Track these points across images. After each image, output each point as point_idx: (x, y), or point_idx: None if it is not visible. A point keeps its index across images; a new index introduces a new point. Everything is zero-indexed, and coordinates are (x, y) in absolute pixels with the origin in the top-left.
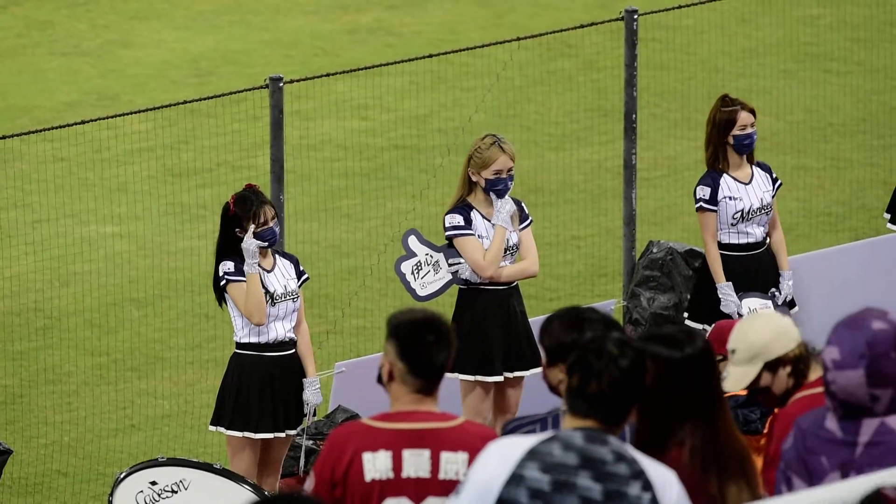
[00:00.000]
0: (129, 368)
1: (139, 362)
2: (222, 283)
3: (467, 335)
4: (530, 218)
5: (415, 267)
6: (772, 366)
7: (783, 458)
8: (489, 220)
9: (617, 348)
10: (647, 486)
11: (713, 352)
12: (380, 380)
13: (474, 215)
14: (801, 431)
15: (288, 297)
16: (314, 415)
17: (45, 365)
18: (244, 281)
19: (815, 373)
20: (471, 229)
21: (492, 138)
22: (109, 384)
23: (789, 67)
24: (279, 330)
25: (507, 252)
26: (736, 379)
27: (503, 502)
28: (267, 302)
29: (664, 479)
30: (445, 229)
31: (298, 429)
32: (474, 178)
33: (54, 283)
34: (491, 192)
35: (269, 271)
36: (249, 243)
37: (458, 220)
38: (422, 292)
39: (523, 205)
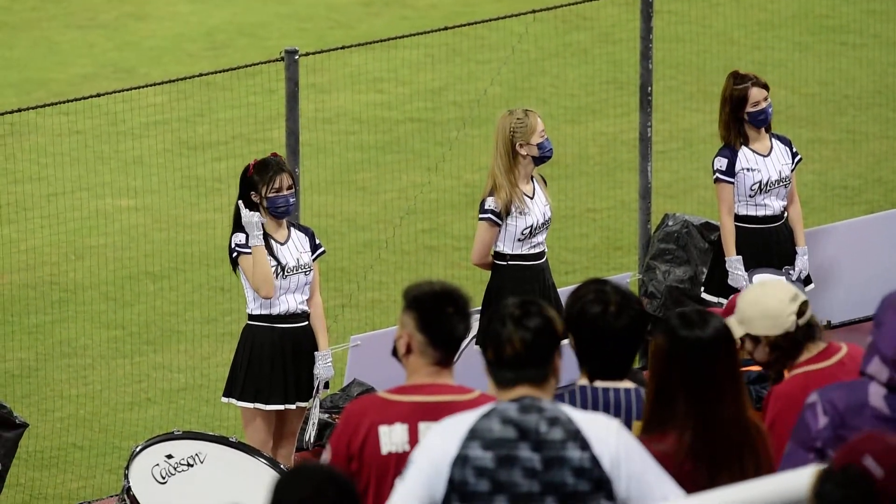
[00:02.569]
0: (145, 342)
1: (155, 336)
2: (233, 255)
3: None
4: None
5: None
6: (753, 338)
7: (817, 438)
8: (528, 196)
9: (519, 309)
10: (585, 444)
11: (730, 335)
12: (395, 353)
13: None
14: (835, 410)
15: (300, 270)
16: (326, 388)
17: (60, 338)
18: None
19: (814, 349)
20: (501, 221)
21: (518, 110)
22: (125, 357)
23: (805, 40)
24: (290, 302)
25: (544, 226)
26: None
27: (452, 483)
28: (278, 275)
29: (600, 433)
30: (483, 210)
31: (309, 402)
32: (524, 151)
33: (70, 256)
34: (541, 161)
35: (282, 244)
36: (250, 216)
37: (499, 205)
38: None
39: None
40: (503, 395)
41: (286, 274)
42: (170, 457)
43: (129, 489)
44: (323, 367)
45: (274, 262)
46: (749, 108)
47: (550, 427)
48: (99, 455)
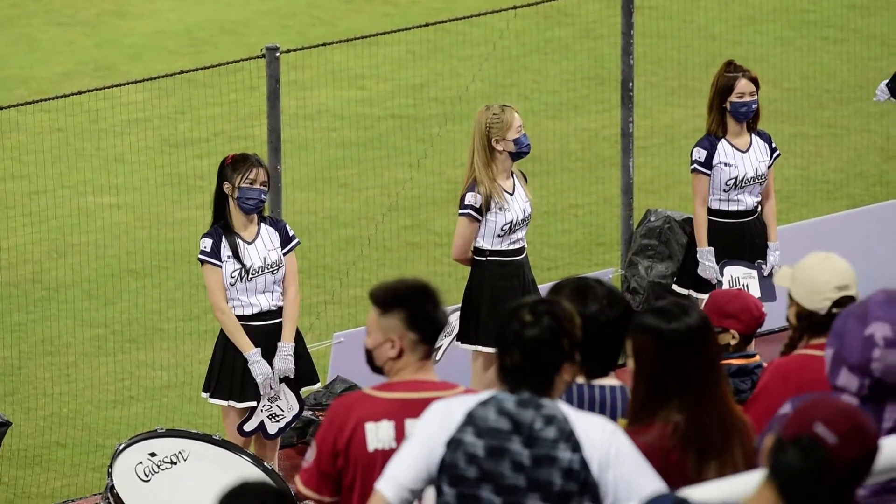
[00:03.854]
0: (128, 339)
1: (137, 333)
2: (200, 261)
3: (487, 307)
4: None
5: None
6: (791, 299)
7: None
8: (508, 192)
9: (531, 315)
10: (576, 446)
11: (709, 326)
12: (371, 362)
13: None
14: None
15: (267, 271)
16: (279, 382)
17: (43, 336)
18: (218, 265)
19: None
20: (481, 217)
21: (495, 106)
22: (108, 355)
23: (786, 34)
24: (262, 302)
25: (524, 222)
26: (780, 276)
27: (444, 464)
28: (242, 277)
29: (593, 436)
30: (462, 206)
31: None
32: (500, 147)
33: (52, 254)
34: (517, 156)
35: (249, 242)
36: (258, 374)
37: (479, 200)
38: (438, 356)
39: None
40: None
41: (251, 276)
42: (153, 455)
43: (112, 487)
44: (280, 359)
45: (238, 266)
46: (733, 99)
47: (545, 425)
48: (82, 453)
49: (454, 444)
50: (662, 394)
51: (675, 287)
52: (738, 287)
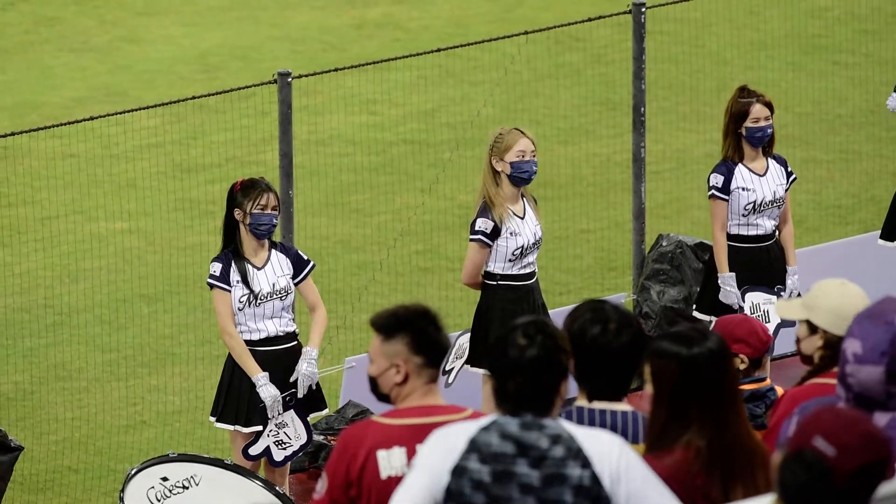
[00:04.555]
0: (140, 364)
1: (149, 358)
2: (210, 284)
3: (497, 331)
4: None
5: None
6: (812, 327)
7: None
8: (518, 216)
9: (525, 338)
10: (586, 463)
11: (728, 350)
12: (376, 390)
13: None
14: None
15: (276, 296)
16: (289, 409)
17: (55, 361)
18: (227, 290)
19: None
20: (492, 242)
21: (506, 128)
22: (120, 380)
23: (797, 60)
24: (269, 327)
25: (535, 246)
26: (786, 308)
27: (450, 492)
28: (250, 303)
29: (602, 450)
30: (473, 231)
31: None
32: (498, 167)
33: (64, 279)
34: (515, 181)
35: (259, 268)
36: (266, 396)
37: (490, 226)
38: (450, 379)
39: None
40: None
41: (259, 301)
42: (165, 479)
43: None
44: (306, 362)
45: (246, 291)
46: (749, 124)
47: (552, 444)
48: (94, 478)
49: (459, 471)
50: (683, 418)
51: (695, 313)
52: (759, 313)
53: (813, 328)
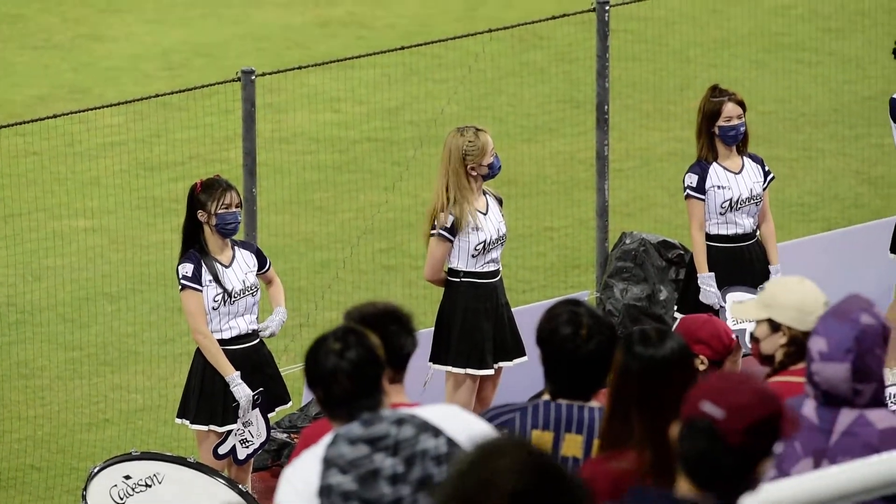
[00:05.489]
0: (103, 363)
1: (112, 356)
2: (179, 287)
3: (459, 328)
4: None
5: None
6: (773, 325)
7: None
8: (480, 212)
9: (339, 342)
10: (437, 432)
11: (687, 353)
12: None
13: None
14: None
15: (247, 293)
16: (254, 409)
17: (17, 359)
18: (199, 290)
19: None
20: (453, 237)
21: (468, 129)
22: (83, 378)
23: (761, 58)
24: (241, 325)
25: (499, 241)
26: (742, 309)
27: None
28: (225, 301)
29: (445, 415)
30: (433, 226)
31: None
32: (475, 172)
33: (27, 277)
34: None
35: (227, 266)
36: (241, 396)
37: (450, 221)
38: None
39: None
40: (340, 426)
41: (233, 299)
42: (128, 477)
43: None
44: (278, 317)
45: (220, 290)
46: (721, 123)
47: (399, 428)
48: (57, 476)
49: (325, 491)
50: (632, 418)
51: (676, 314)
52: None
53: (775, 326)
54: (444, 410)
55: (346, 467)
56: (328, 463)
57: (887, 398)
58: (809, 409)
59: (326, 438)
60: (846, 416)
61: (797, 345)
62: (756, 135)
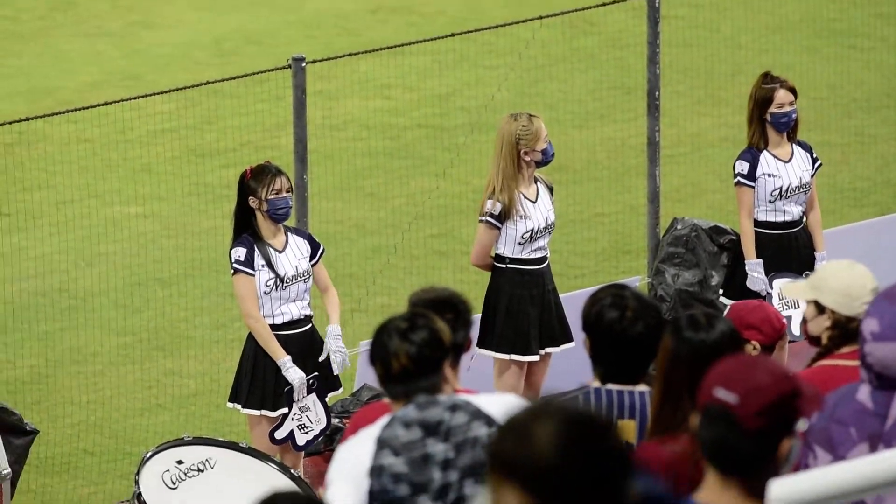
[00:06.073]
0: (155, 348)
1: (165, 342)
2: (231, 271)
3: (504, 313)
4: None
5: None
6: (819, 307)
7: (808, 432)
8: (530, 200)
9: (406, 322)
10: (490, 421)
11: (737, 337)
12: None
13: (521, 201)
14: (828, 403)
15: (299, 279)
16: (311, 393)
17: (70, 345)
18: (252, 274)
19: (851, 347)
20: (501, 224)
21: (522, 115)
22: (135, 364)
23: (813, 44)
24: (293, 311)
25: (546, 230)
26: (793, 289)
27: (373, 494)
28: (277, 286)
29: (500, 405)
30: (482, 212)
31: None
32: (528, 157)
33: (80, 263)
34: (542, 165)
35: (280, 251)
36: (294, 378)
37: (498, 208)
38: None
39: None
40: (397, 407)
41: (285, 284)
42: (180, 462)
43: (139, 495)
44: (332, 339)
45: (272, 275)
46: (773, 109)
47: (452, 414)
48: (110, 461)
49: (376, 471)
50: (683, 401)
51: (722, 299)
52: (787, 299)
53: (821, 308)
54: (500, 399)
55: (399, 449)
56: (382, 444)
57: None
58: (864, 393)
59: (383, 420)
60: None
61: (841, 328)
62: (808, 120)
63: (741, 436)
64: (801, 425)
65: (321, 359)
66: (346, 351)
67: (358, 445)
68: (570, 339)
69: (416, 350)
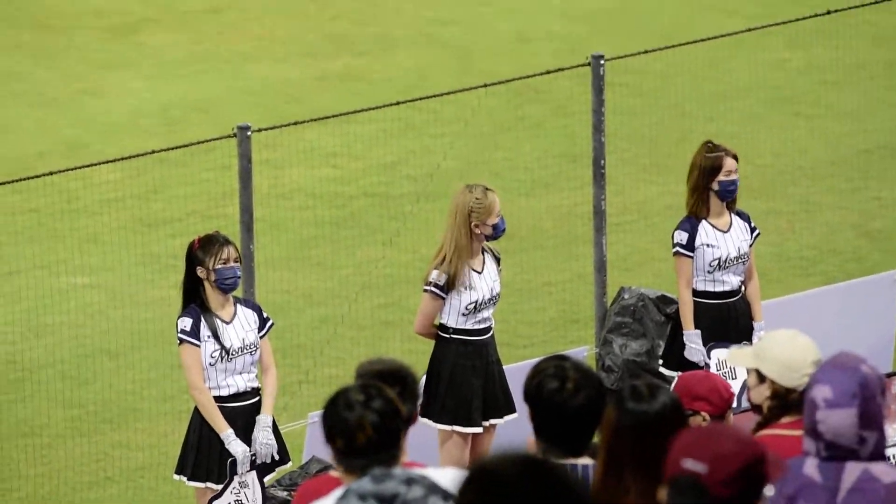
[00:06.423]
0: (103, 420)
1: (113, 414)
2: (177, 341)
3: (446, 384)
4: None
5: None
6: (760, 376)
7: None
8: (476, 271)
9: (362, 394)
10: (446, 495)
11: (679, 408)
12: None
13: (467, 273)
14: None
15: (245, 351)
16: (251, 471)
17: (18, 418)
18: (197, 345)
19: (794, 416)
20: (445, 294)
21: (477, 187)
22: (84, 436)
23: (758, 111)
24: (239, 383)
25: (491, 301)
26: (738, 356)
27: None
28: (222, 358)
29: (453, 481)
30: (427, 282)
31: (240, 472)
32: (479, 231)
33: (27, 334)
34: (493, 238)
35: (227, 322)
36: (237, 451)
37: (443, 279)
38: None
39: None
40: (350, 480)
41: (231, 356)
42: None
43: None
44: (261, 431)
45: (218, 346)
46: (721, 178)
47: (408, 487)
48: None
49: None
50: (625, 473)
51: (661, 370)
52: (725, 370)
53: (762, 377)
54: (452, 474)
55: None
56: None
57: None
58: (811, 466)
59: (337, 492)
60: (851, 472)
61: (780, 399)
62: (753, 188)
63: (711, 502)
64: (768, 491)
65: (251, 451)
66: (275, 444)
67: None
68: (513, 410)
69: (379, 420)
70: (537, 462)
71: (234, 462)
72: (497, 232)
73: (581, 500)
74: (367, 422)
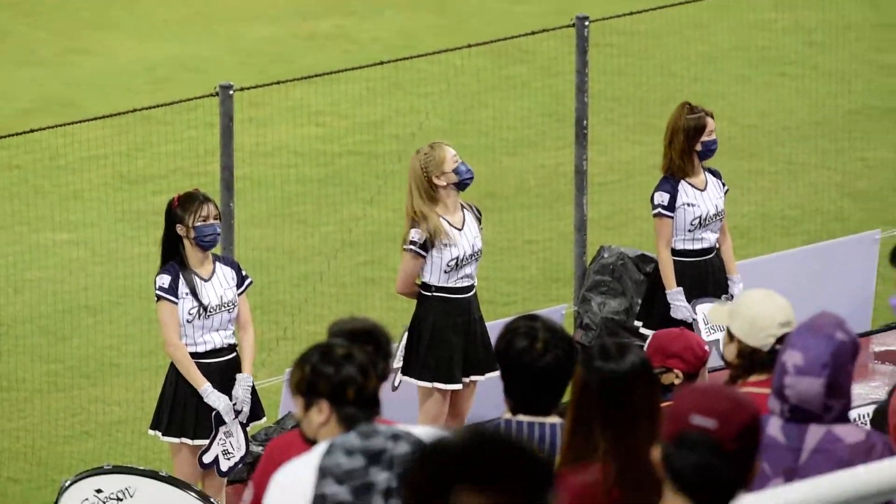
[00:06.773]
0: (82, 375)
1: (92, 369)
2: (155, 297)
3: (427, 342)
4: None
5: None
6: (731, 334)
7: None
8: (456, 227)
9: (342, 349)
10: None
11: (648, 367)
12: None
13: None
14: None
15: (224, 309)
16: (234, 420)
17: None
18: (175, 302)
19: (765, 374)
20: (426, 252)
21: (425, 147)
22: (62, 391)
23: (744, 72)
24: (216, 339)
25: (473, 257)
26: (718, 312)
27: None
28: (200, 315)
29: (427, 439)
30: (407, 241)
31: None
32: (443, 182)
33: (7, 290)
34: (463, 185)
35: (206, 280)
36: (218, 403)
37: (423, 237)
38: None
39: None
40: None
41: (209, 313)
42: (99, 491)
43: None
44: (241, 388)
45: (196, 303)
46: (705, 138)
47: (395, 443)
48: (35, 488)
49: (319, 499)
50: (593, 431)
51: (641, 330)
52: (712, 324)
53: (731, 335)
54: (429, 432)
55: (343, 477)
56: (324, 472)
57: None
58: (775, 427)
59: (321, 447)
60: (814, 433)
61: (745, 357)
62: (739, 148)
63: (722, 460)
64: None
65: (232, 403)
66: (249, 399)
67: (297, 473)
68: (494, 368)
69: (362, 377)
70: (484, 432)
71: (218, 414)
72: (461, 176)
73: (536, 462)
74: (355, 377)
